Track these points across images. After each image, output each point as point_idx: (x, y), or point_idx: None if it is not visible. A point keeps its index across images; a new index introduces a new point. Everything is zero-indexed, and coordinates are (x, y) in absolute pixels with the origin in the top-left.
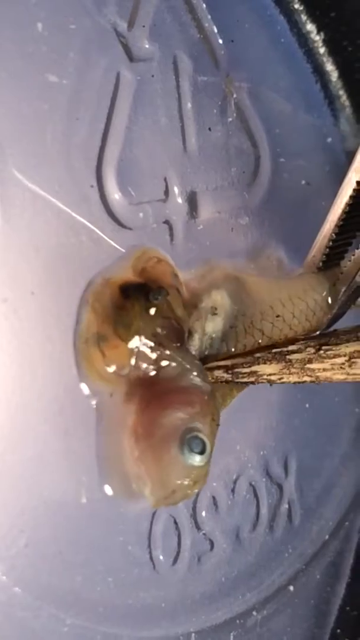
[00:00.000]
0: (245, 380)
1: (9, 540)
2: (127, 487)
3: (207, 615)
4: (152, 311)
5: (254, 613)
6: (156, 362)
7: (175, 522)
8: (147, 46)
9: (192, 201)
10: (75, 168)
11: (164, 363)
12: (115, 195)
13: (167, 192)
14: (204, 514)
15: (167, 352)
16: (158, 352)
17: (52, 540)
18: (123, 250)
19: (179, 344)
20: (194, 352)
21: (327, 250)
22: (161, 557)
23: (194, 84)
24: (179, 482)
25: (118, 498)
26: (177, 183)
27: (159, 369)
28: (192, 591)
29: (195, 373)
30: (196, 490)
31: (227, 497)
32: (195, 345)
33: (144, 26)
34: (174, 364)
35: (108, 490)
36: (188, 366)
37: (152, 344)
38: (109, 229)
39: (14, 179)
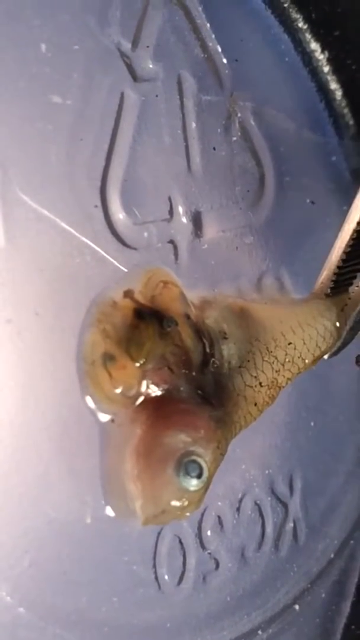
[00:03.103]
0: None
1: (13, 561)
2: (125, 505)
3: (212, 635)
4: (165, 337)
5: (260, 632)
6: (164, 385)
7: (180, 542)
8: (151, 66)
9: (196, 221)
10: (79, 188)
11: (172, 387)
12: (119, 215)
13: (171, 212)
14: (209, 533)
15: (176, 377)
16: (167, 376)
17: (56, 560)
18: (127, 270)
19: (187, 371)
20: (210, 379)
21: (335, 276)
22: (166, 577)
23: (198, 104)
24: (170, 503)
25: (118, 517)
26: (181, 202)
27: (166, 392)
28: (197, 611)
29: (205, 399)
30: (188, 514)
31: (232, 516)
32: (212, 371)
33: (148, 46)
34: (182, 388)
35: (109, 511)
36: (199, 392)
37: (161, 366)
38: (113, 249)
39: (17, 199)
